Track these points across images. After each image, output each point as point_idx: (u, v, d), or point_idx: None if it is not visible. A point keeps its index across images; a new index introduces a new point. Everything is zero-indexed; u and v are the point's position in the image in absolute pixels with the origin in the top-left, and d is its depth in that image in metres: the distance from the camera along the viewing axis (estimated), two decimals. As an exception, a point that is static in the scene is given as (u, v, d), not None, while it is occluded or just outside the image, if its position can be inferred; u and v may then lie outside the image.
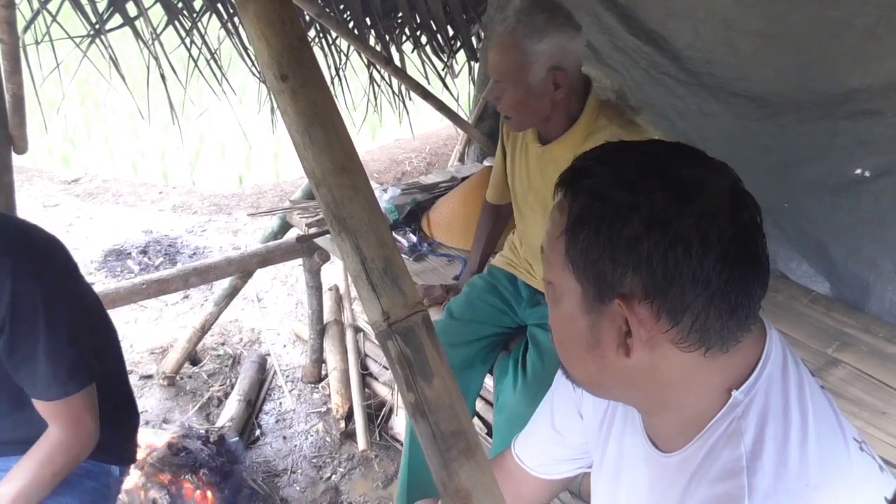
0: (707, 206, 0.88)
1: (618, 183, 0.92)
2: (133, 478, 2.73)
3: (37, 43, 3.44)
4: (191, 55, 3.98)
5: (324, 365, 3.94)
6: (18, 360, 1.71)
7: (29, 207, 5.70)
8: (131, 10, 3.58)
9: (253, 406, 3.71)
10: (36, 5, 3.31)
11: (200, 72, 4.07)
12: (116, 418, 1.97)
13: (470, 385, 2.60)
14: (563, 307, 1.00)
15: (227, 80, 4.21)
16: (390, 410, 3.62)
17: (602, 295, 0.93)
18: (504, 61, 2.13)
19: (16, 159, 2.93)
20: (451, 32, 4.66)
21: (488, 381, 2.73)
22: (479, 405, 3.06)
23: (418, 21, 4.54)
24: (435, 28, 4.58)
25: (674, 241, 0.87)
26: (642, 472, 1.12)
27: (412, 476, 2.66)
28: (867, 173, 2.75)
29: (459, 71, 5.00)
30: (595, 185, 0.93)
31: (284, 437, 3.59)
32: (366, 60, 4.61)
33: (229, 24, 4.00)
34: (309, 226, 3.42)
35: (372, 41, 4.44)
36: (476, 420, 3.06)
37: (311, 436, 3.61)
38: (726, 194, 0.91)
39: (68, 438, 1.78)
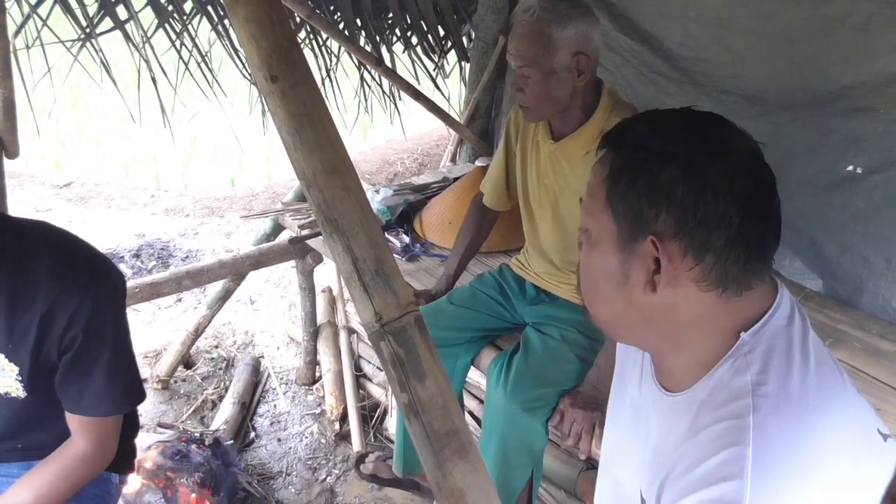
0: (735, 161, 1.01)
1: (659, 135, 1.04)
2: (129, 482, 2.72)
3: (28, 47, 3.44)
4: (181, 58, 3.98)
5: (318, 367, 3.94)
6: (73, 376, 1.73)
7: (21, 212, 5.68)
8: (122, 13, 3.57)
9: (247, 408, 3.70)
10: (26, 9, 3.30)
11: (191, 74, 4.06)
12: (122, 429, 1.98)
13: (453, 371, 2.61)
14: (598, 248, 1.09)
15: (217, 82, 4.20)
16: (385, 411, 3.62)
17: (636, 233, 1.03)
18: (531, 48, 2.17)
19: (7, 164, 2.93)
20: (441, 32, 4.66)
21: (482, 381, 2.73)
22: (473, 404, 3.06)
23: (409, 21, 4.54)
24: (426, 28, 4.58)
25: (705, 186, 0.98)
26: (651, 415, 1.20)
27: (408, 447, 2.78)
28: (859, 170, 2.76)
29: (450, 71, 5.00)
30: (638, 139, 1.05)
31: (279, 440, 3.59)
32: (356, 61, 4.61)
33: (220, 27, 3.99)
34: (301, 227, 3.42)
35: (362, 42, 4.44)
36: (469, 419, 3.06)
37: (306, 438, 3.60)
38: (751, 155, 1.04)
39: (92, 454, 1.80)
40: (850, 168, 2.77)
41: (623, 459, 1.32)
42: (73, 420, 1.79)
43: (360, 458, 3.11)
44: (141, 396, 1.88)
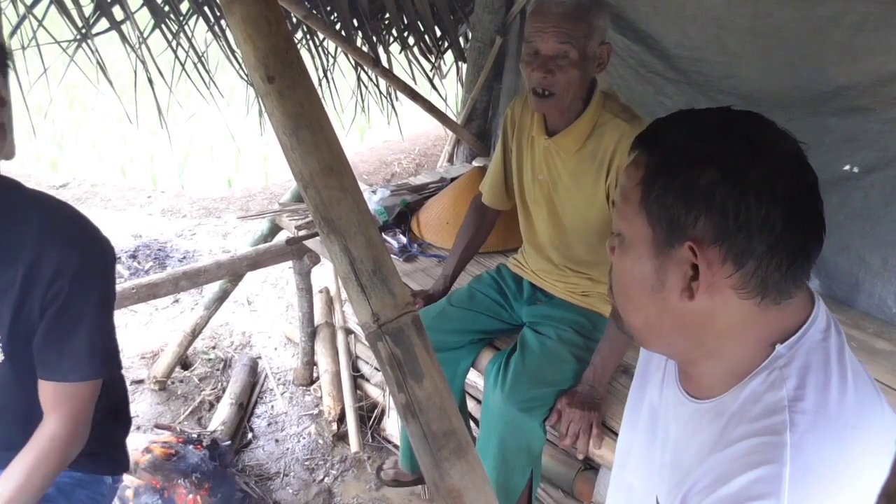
0: (777, 161, 0.97)
1: (696, 135, 1.00)
2: (126, 483, 2.72)
3: (23, 48, 3.43)
4: (178, 58, 3.97)
5: (315, 367, 3.94)
6: (54, 337, 1.69)
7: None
8: (118, 13, 3.57)
9: (245, 409, 3.70)
10: (22, 10, 3.29)
11: (188, 75, 4.06)
12: (109, 428, 1.96)
13: (455, 375, 2.61)
14: (631, 253, 1.06)
15: (214, 83, 4.20)
16: (382, 412, 3.61)
17: (672, 239, 1.00)
18: (576, 27, 2.14)
19: (3, 165, 2.92)
20: (438, 33, 4.66)
21: (479, 381, 2.73)
22: (471, 404, 3.06)
23: (406, 22, 4.54)
24: (422, 29, 4.58)
25: (746, 189, 0.94)
26: (671, 420, 1.18)
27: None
28: (856, 169, 2.76)
29: (447, 71, 5.00)
30: (673, 139, 1.01)
31: (276, 440, 3.59)
32: (353, 62, 4.61)
33: (216, 27, 3.99)
34: (298, 228, 3.41)
35: (359, 42, 4.44)
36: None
37: (304, 438, 3.60)
38: (793, 155, 1.00)
39: (64, 434, 1.73)
40: (847, 167, 2.78)
41: (638, 463, 1.30)
42: (46, 392, 1.73)
43: (379, 468, 3.19)
44: (118, 365, 1.87)
